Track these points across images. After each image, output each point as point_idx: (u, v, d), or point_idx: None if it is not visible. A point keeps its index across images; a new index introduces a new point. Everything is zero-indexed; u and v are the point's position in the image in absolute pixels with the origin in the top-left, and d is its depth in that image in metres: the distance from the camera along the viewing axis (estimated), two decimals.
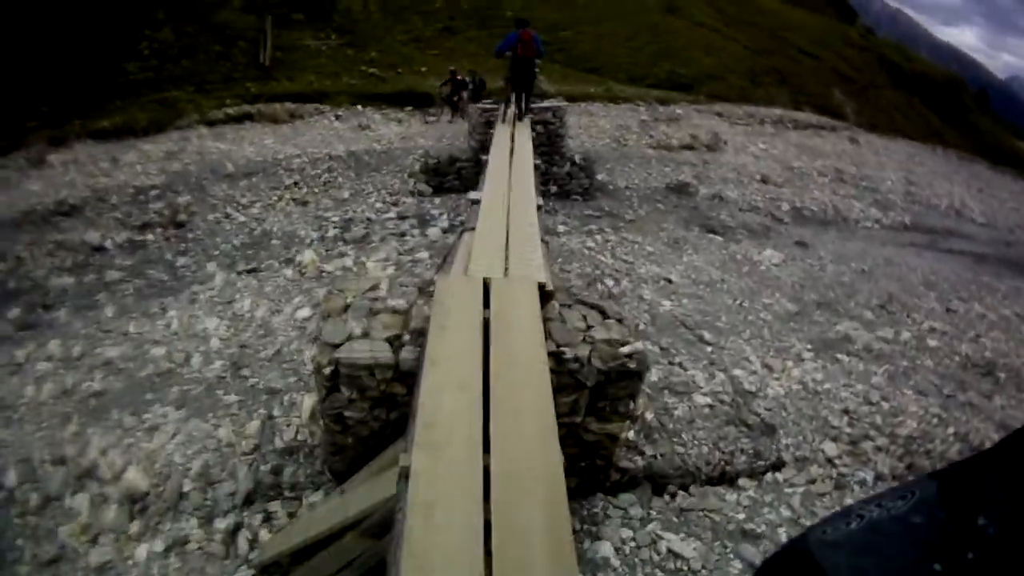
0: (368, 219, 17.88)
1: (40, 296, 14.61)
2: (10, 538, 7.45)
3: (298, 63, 36.66)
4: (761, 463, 8.92)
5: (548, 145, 19.98)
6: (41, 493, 7.97)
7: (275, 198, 20.03)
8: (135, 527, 7.53)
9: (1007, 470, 1.01)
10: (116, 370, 10.86)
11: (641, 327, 11.83)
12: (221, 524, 7.48)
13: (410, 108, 31.45)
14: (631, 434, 8.57)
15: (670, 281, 14.50)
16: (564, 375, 6.67)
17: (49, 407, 9.91)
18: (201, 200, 19.69)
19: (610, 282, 13.88)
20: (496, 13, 46.21)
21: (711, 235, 18.83)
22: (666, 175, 24.34)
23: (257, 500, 7.80)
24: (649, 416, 9.13)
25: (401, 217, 17.88)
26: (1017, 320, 16.32)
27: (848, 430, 9.84)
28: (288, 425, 8.90)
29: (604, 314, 7.43)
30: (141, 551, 7.20)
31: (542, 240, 8.97)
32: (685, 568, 6.93)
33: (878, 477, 9.00)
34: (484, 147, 17.55)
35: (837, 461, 9.17)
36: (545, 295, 7.20)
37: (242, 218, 18.62)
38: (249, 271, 15.07)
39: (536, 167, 14.10)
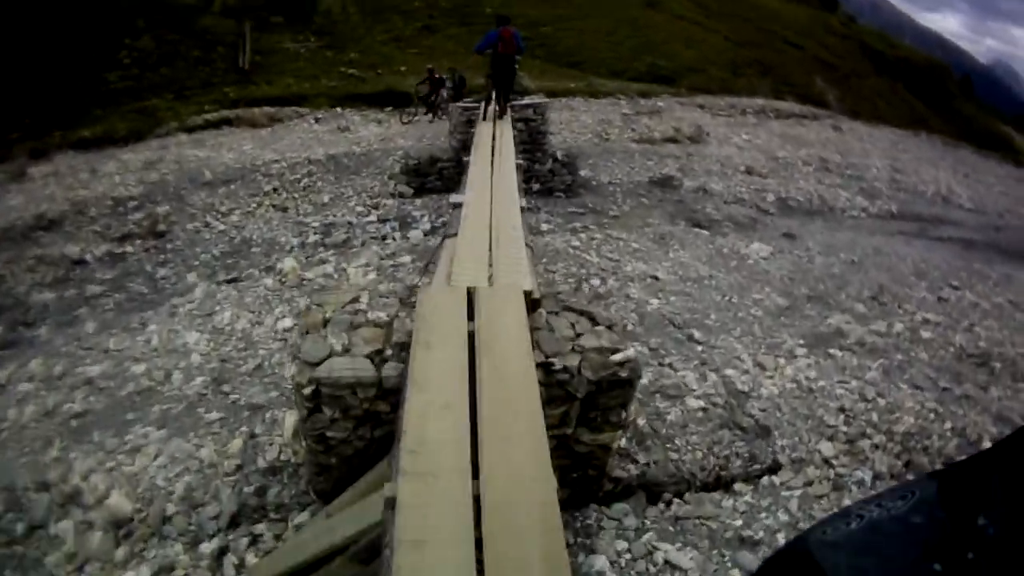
0: (349, 223, 17.69)
1: (21, 313, 14.39)
2: None
3: (277, 66, 36.45)
4: (757, 466, 8.73)
5: (530, 142, 19.84)
6: (26, 521, 7.75)
7: (254, 205, 19.80)
8: (120, 554, 7.31)
9: (1007, 470, 1.02)
10: (97, 389, 10.63)
11: (629, 327, 11.63)
12: (207, 548, 7.26)
13: (390, 108, 31.20)
14: (623, 441, 8.36)
15: (657, 278, 14.31)
16: (554, 387, 6.47)
17: (31, 430, 9.68)
18: (180, 209, 19.45)
19: (596, 281, 13.72)
20: (476, 10, 46.02)
21: (697, 229, 18.68)
22: (649, 169, 24.20)
23: (242, 522, 7.59)
24: (641, 422, 8.93)
25: (382, 220, 17.68)
26: (1010, 308, 16.16)
27: (844, 429, 9.66)
28: (271, 444, 8.67)
29: (594, 320, 7.22)
30: None
31: (527, 244, 8.74)
32: None
33: (876, 476, 8.82)
34: (465, 146, 17.38)
35: (834, 461, 8.99)
36: (532, 303, 6.98)
37: (222, 226, 18.40)
38: (229, 281, 14.85)
39: (518, 166, 13.87)
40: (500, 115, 18.35)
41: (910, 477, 8.67)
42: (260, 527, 7.49)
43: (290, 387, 9.25)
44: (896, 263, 18.33)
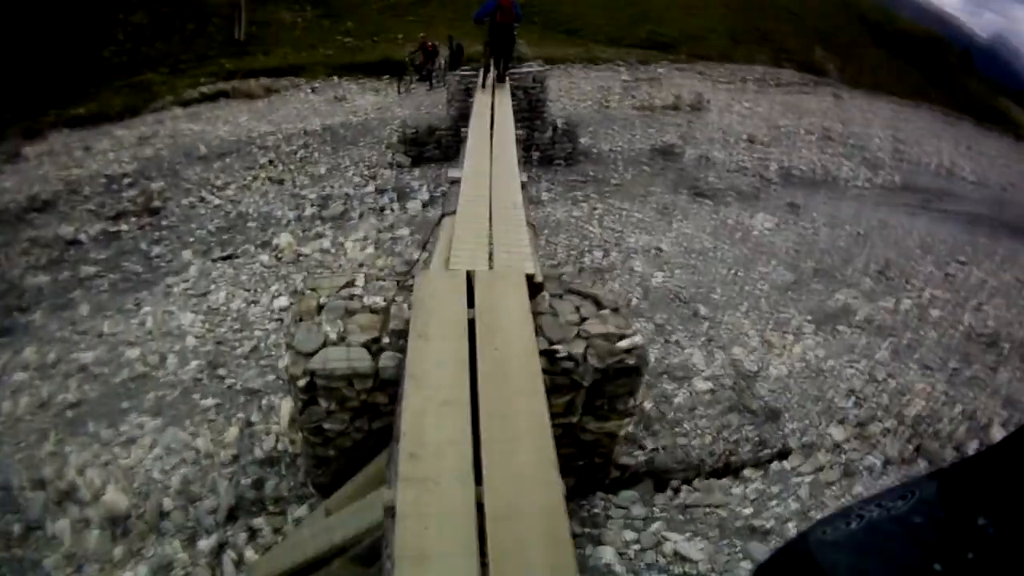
0: (346, 195, 17.47)
1: (15, 298, 14.11)
2: None
3: (273, 37, 36.02)
4: (767, 451, 8.53)
5: (529, 111, 19.48)
6: (23, 521, 7.64)
7: (250, 178, 19.47)
8: (118, 552, 7.19)
9: (1007, 470, 1.00)
10: (91, 377, 10.48)
11: (634, 302, 11.51)
12: (205, 545, 7.12)
13: (387, 77, 30.70)
14: (630, 426, 8.12)
15: (661, 250, 14.12)
16: (559, 375, 6.25)
17: (26, 423, 9.55)
18: (175, 185, 19.13)
19: (599, 254, 13.55)
20: None
21: (700, 199, 18.42)
22: (651, 137, 23.85)
23: (240, 516, 7.45)
24: (648, 405, 8.73)
25: (380, 191, 17.48)
26: (1018, 286, 15.88)
27: (855, 411, 9.45)
28: (267, 433, 8.56)
29: (599, 303, 6.99)
30: None
31: (528, 223, 8.43)
32: (693, 572, 6.51)
33: (887, 462, 8.60)
34: (463, 115, 17.07)
35: (845, 446, 8.78)
36: (534, 286, 6.71)
37: (217, 201, 18.11)
38: (225, 258, 14.64)
39: (518, 137, 13.56)
40: (500, 81, 18.14)
41: (921, 463, 8.53)
42: (258, 521, 7.33)
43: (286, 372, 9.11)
44: (902, 237, 18.05)
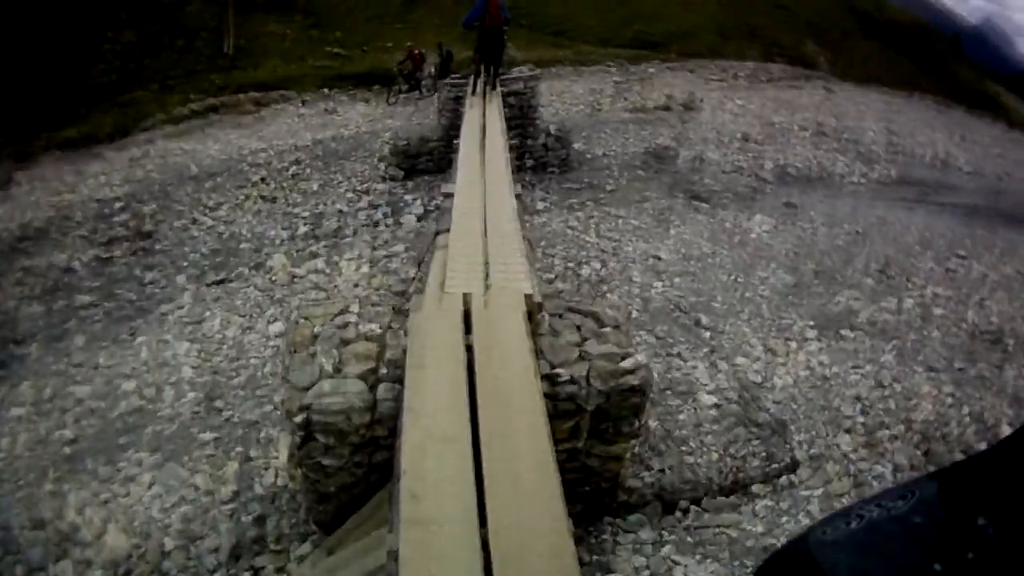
0: (339, 211, 17.32)
1: (10, 329, 13.87)
2: None
3: (261, 50, 35.89)
4: (775, 466, 8.42)
5: (521, 117, 19.31)
6: (25, 563, 7.57)
7: (242, 197, 19.28)
8: None
9: (1007, 470, 0.98)
10: (88, 411, 10.39)
11: (634, 315, 11.34)
12: None
13: (377, 87, 30.57)
14: (636, 447, 7.99)
15: (659, 258, 14.01)
16: (561, 399, 6.10)
17: (25, 460, 9.47)
18: (166, 207, 18.92)
19: (597, 264, 13.45)
20: None
21: (697, 202, 18.25)
22: (644, 139, 23.67)
23: (243, 555, 7.36)
24: (654, 424, 8.60)
25: (373, 206, 17.35)
26: (1019, 279, 15.85)
27: (862, 419, 9.36)
28: (267, 468, 8.49)
29: (600, 322, 6.87)
30: None
31: (524, 238, 8.28)
32: None
33: (896, 469, 8.54)
34: (455, 125, 16.93)
35: (853, 455, 8.69)
36: (533, 307, 6.57)
37: (210, 222, 17.90)
38: (219, 282, 14.46)
39: (511, 146, 13.42)
40: (491, 88, 17.92)
41: (930, 468, 8.41)
42: (261, 559, 7.25)
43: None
44: (900, 233, 17.95)
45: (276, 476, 8.16)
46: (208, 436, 9.24)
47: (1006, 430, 9.30)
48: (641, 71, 34.73)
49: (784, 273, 13.95)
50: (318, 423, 6.00)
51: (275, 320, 12.02)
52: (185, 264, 15.67)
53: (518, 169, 13.92)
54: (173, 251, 16.43)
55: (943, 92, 54.12)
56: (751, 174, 21.86)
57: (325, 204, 18.03)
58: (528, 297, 6.58)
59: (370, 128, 24.54)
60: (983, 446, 8.85)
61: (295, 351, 6.45)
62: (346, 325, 6.75)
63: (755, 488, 8.08)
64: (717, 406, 9.18)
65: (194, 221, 17.98)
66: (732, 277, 13.51)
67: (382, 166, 20.10)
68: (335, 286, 13.13)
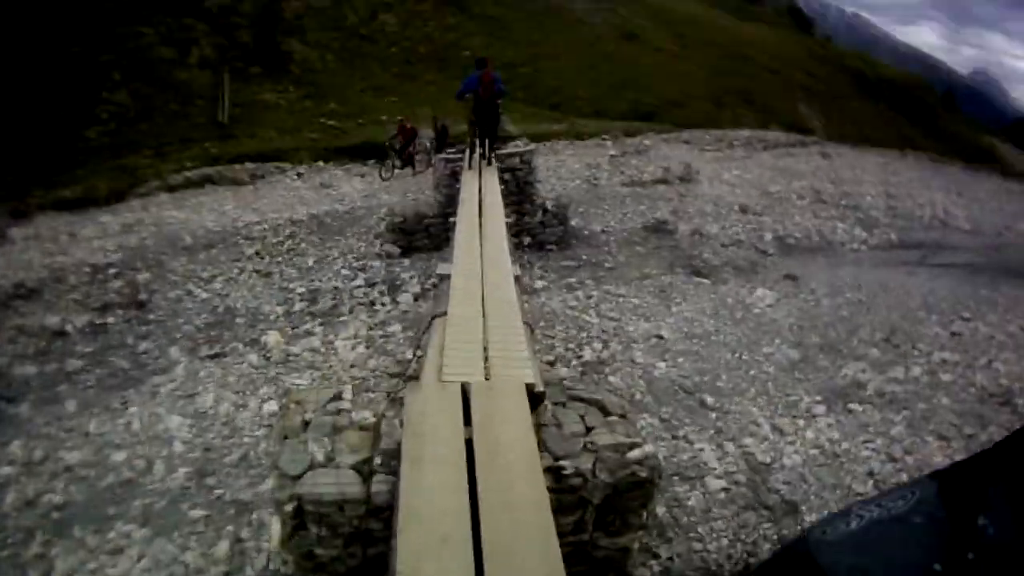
0: (335, 288, 17.20)
1: (3, 387, 13.82)
2: None
3: (257, 119, 36.07)
4: None
5: (518, 193, 19.29)
6: None
7: (237, 270, 19.17)
8: None
9: (1007, 470, 1.12)
10: (77, 478, 10.20)
11: (638, 397, 11.16)
12: None
13: (373, 161, 30.61)
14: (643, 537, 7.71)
15: (662, 338, 13.81)
16: (566, 493, 5.85)
17: (13, 520, 9.33)
18: (161, 276, 18.86)
19: (598, 345, 13.22)
20: (454, 54, 45.96)
21: (697, 278, 18.15)
22: (642, 214, 23.68)
23: None
24: (661, 511, 8.33)
25: (370, 284, 17.21)
26: None
27: None
28: (259, 551, 8.22)
29: (605, 410, 6.68)
30: None
31: (525, 322, 8.03)
32: None
33: None
34: (451, 200, 16.88)
35: None
36: (535, 396, 6.31)
37: (204, 294, 17.79)
38: (213, 356, 14.24)
39: (507, 222, 13.29)
40: (486, 162, 18.01)
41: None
42: None
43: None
44: (904, 298, 17.79)
45: (269, 560, 7.95)
46: (199, 513, 9.02)
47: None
48: (637, 144, 34.89)
49: (788, 348, 13.75)
50: (310, 513, 5.78)
51: (269, 399, 11.79)
52: (179, 336, 15.53)
53: (516, 247, 13.79)
54: (167, 322, 16.32)
55: (938, 147, 54.99)
56: (751, 246, 21.87)
57: (321, 280, 17.89)
58: (530, 387, 6.32)
59: (366, 203, 24.50)
60: None
61: (286, 437, 6.26)
62: (339, 412, 6.57)
63: None
64: (726, 490, 8.94)
65: (188, 292, 17.90)
66: (736, 355, 13.32)
67: (378, 243, 20.00)
68: (330, 366, 12.89)
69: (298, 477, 5.81)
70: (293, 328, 15.06)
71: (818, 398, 11.82)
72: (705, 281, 17.94)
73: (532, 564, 4.40)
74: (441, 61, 45.94)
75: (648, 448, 6.21)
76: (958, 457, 10.03)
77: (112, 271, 19.18)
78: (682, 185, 28.11)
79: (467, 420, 5.81)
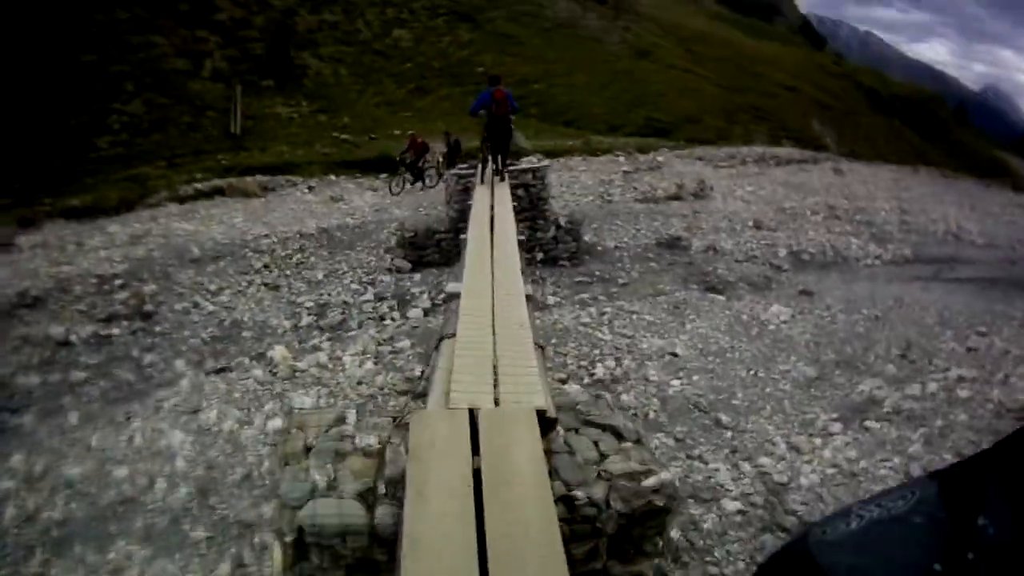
0: (344, 302, 17.13)
1: (7, 398, 13.74)
2: None
3: (269, 132, 36.16)
4: None
5: (531, 209, 19.19)
6: None
7: (245, 283, 19.10)
8: None
9: (1007, 470, 0.97)
10: (79, 494, 10.00)
11: (651, 415, 10.95)
12: None
13: (385, 175, 30.61)
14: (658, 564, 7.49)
15: (676, 355, 13.61)
16: (579, 523, 5.60)
17: (12, 536, 9.17)
18: (167, 288, 18.80)
19: (611, 363, 13.00)
20: (467, 70, 46.03)
21: (712, 294, 18.00)
22: (656, 230, 23.59)
23: None
24: (676, 534, 8.07)
25: (379, 298, 17.13)
26: None
27: None
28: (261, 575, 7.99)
29: (619, 435, 6.41)
30: None
31: (537, 344, 7.78)
32: None
33: None
34: (463, 215, 16.79)
35: None
36: (547, 422, 6.07)
37: (211, 307, 17.72)
38: (218, 371, 14.10)
39: (520, 242, 13.07)
40: (499, 178, 17.92)
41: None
42: None
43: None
44: (919, 314, 17.64)
45: None
46: (201, 534, 8.84)
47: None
48: (650, 160, 35.03)
49: (804, 365, 13.52)
50: (312, 543, 5.59)
51: (274, 416, 11.57)
52: (184, 348, 15.44)
53: (528, 263, 13.62)
54: (173, 334, 16.24)
55: (950, 162, 55.01)
56: (765, 262, 21.75)
57: (330, 295, 17.82)
58: (541, 412, 6.08)
59: (376, 217, 24.48)
60: None
61: (287, 463, 6.05)
62: (342, 437, 6.33)
63: None
64: (742, 512, 8.71)
65: (195, 305, 17.82)
66: (752, 372, 13.09)
67: (388, 257, 19.96)
68: (337, 382, 12.69)
69: (299, 506, 5.62)
70: (300, 343, 14.95)
71: (834, 415, 11.59)
72: (719, 297, 17.79)
73: None
74: (455, 77, 46.04)
75: (664, 476, 5.98)
76: None
77: (118, 282, 19.15)
78: (696, 201, 28.12)
79: (474, 446, 5.59)
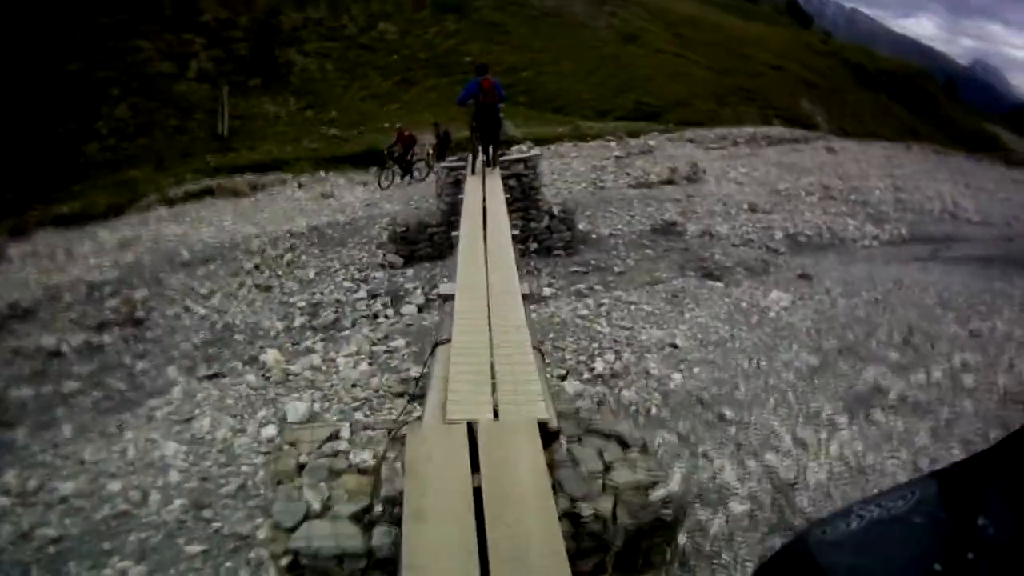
0: (337, 301, 16.99)
1: (1, 411, 13.72)
2: None
3: (257, 131, 36.06)
4: None
5: (523, 199, 19.00)
6: None
7: (236, 285, 18.98)
8: None
9: (1007, 470, 1.01)
10: (73, 510, 9.83)
11: (653, 411, 10.75)
12: None
13: (374, 169, 30.36)
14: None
15: (676, 346, 13.39)
16: (584, 538, 5.37)
17: (8, 554, 9.02)
18: (158, 294, 18.76)
19: (611, 356, 12.79)
20: (453, 60, 45.91)
21: (709, 281, 17.80)
22: (650, 216, 23.45)
23: None
24: (683, 539, 7.84)
25: (372, 295, 16.96)
26: None
27: None
28: None
29: (624, 444, 6.17)
30: None
31: (536, 348, 7.53)
32: None
33: None
34: (454, 208, 16.69)
35: None
36: (549, 433, 5.83)
37: (202, 311, 17.62)
38: (210, 376, 13.97)
39: (513, 231, 12.86)
40: (490, 168, 17.80)
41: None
42: None
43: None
44: (919, 296, 17.45)
45: None
46: (196, 548, 8.63)
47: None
48: (641, 144, 34.84)
49: (807, 354, 13.28)
50: (307, 567, 5.34)
51: (268, 423, 11.41)
52: (176, 354, 15.39)
53: (522, 253, 13.41)
54: (164, 340, 16.20)
55: (941, 137, 55.04)
56: (762, 245, 21.67)
57: (322, 293, 17.69)
58: (543, 423, 5.85)
59: (367, 213, 24.37)
60: None
61: (280, 482, 5.83)
62: (336, 453, 6.11)
63: None
64: (750, 514, 8.49)
65: (186, 309, 17.78)
66: (754, 362, 12.85)
67: (380, 253, 19.80)
68: (331, 385, 12.49)
69: (292, 529, 5.40)
70: (293, 344, 14.84)
71: (840, 405, 11.36)
72: (718, 284, 17.60)
73: None
74: (442, 67, 45.94)
75: (673, 487, 5.82)
76: None
77: (108, 289, 19.19)
78: (689, 185, 27.99)
79: (474, 462, 5.35)
